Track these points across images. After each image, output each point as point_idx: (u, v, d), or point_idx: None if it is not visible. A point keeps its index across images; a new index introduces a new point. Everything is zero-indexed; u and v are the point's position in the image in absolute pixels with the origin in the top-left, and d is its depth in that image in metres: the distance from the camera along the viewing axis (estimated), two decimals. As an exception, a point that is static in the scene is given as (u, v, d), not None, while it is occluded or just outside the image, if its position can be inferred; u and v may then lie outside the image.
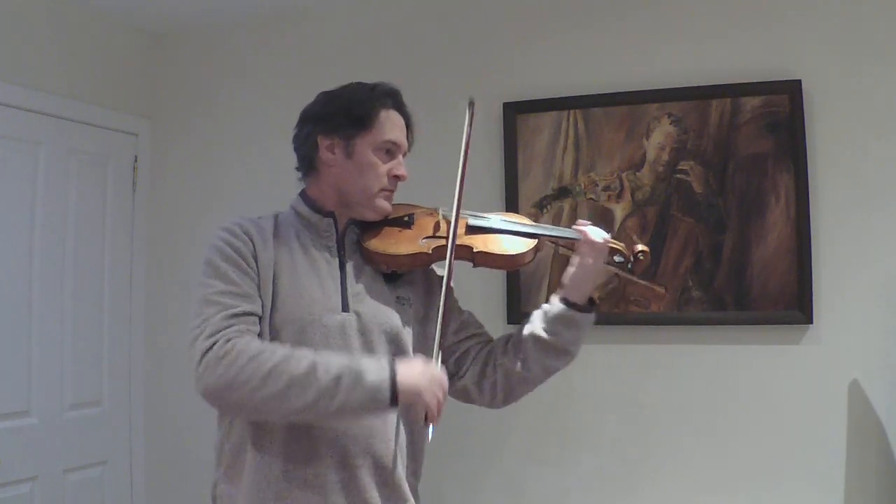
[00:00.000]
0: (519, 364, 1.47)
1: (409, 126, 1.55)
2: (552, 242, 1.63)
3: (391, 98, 1.51)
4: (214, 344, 1.27)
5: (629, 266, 1.55)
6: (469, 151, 1.46)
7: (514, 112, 2.63)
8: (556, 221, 2.57)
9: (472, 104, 1.47)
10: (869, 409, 2.28)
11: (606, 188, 2.54)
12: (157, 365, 3.00)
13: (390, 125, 1.49)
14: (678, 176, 2.47)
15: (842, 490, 2.28)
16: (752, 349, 2.40)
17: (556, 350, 1.46)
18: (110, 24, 2.95)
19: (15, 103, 2.55)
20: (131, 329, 2.99)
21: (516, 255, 1.49)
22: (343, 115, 1.47)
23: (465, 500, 2.63)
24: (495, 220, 1.55)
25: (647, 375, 2.49)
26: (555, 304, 1.47)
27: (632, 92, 2.51)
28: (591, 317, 1.49)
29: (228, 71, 3.04)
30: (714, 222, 2.43)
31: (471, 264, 1.51)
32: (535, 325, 1.48)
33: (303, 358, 1.28)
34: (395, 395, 1.28)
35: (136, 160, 3.05)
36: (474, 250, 1.48)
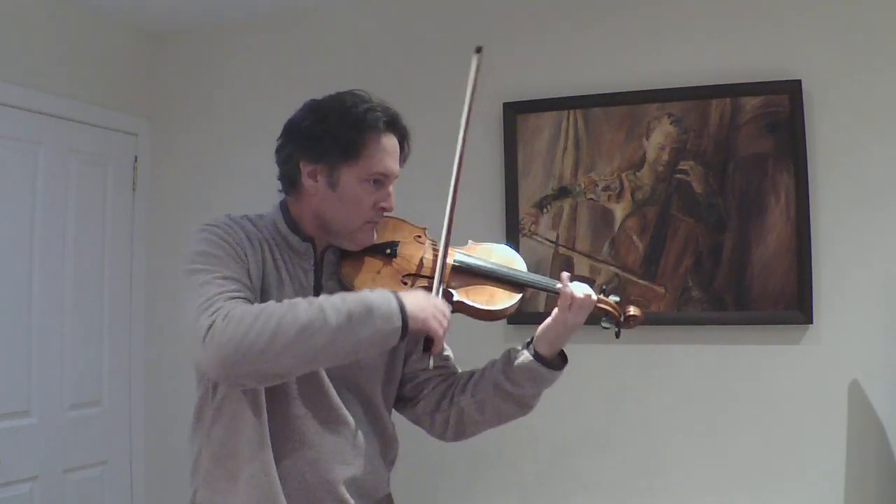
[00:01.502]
0: (474, 406, 1.44)
1: (404, 142, 1.43)
2: (537, 289, 1.50)
3: (384, 121, 1.37)
4: (216, 316, 1.20)
5: (617, 331, 1.45)
6: (471, 111, 1.36)
7: (514, 112, 2.63)
8: (556, 221, 2.57)
9: (479, 49, 1.36)
10: (869, 409, 2.28)
11: (606, 188, 2.54)
12: (157, 365, 3.00)
13: (381, 154, 1.36)
14: (678, 176, 2.47)
15: (842, 490, 2.29)
16: (752, 349, 2.40)
17: (515, 401, 1.42)
18: (110, 24, 2.95)
19: (15, 103, 2.55)
20: (131, 329, 2.99)
21: (496, 310, 1.40)
22: (329, 141, 1.35)
23: (461, 499, 2.63)
24: (484, 262, 1.44)
25: (647, 375, 2.49)
26: (524, 355, 1.41)
27: (632, 92, 2.51)
28: (559, 374, 1.42)
29: (228, 71, 3.04)
30: (714, 222, 2.43)
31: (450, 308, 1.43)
32: (499, 370, 1.42)
33: (307, 303, 1.23)
34: (405, 324, 1.25)
35: (136, 160, 3.05)
36: (454, 298, 1.40)
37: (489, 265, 1.44)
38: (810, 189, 2.34)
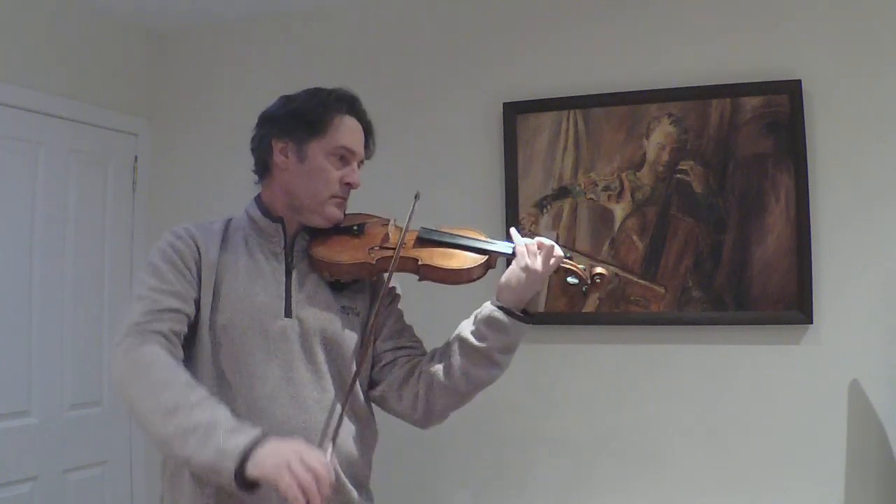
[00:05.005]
0: (441, 371, 1.42)
1: (368, 133, 1.54)
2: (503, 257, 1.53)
3: (347, 104, 1.50)
4: (125, 342, 1.31)
5: (584, 289, 1.48)
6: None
7: (514, 112, 2.63)
8: (556, 221, 2.57)
9: (417, 197, 1.47)
10: (869, 409, 2.28)
11: (606, 188, 2.54)
12: (157, 365, 3.00)
13: (345, 131, 1.48)
14: (678, 176, 2.47)
15: (842, 490, 2.28)
16: (752, 349, 2.40)
17: (481, 357, 1.40)
18: (110, 24, 2.95)
19: (15, 103, 2.55)
20: (131, 329, 2.98)
21: (461, 269, 1.45)
22: (298, 118, 1.48)
23: (455, 499, 2.63)
24: (447, 232, 1.51)
25: (647, 375, 2.49)
26: (486, 307, 1.43)
27: (632, 92, 2.51)
28: (523, 326, 1.41)
29: (228, 71, 3.04)
30: (714, 222, 2.43)
31: (416, 277, 1.48)
32: (464, 327, 1.44)
33: (182, 391, 1.24)
34: (243, 468, 1.15)
35: (136, 160, 3.05)
36: (419, 263, 1.45)
37: (451, 235, 1.51)
38: (810, 189, 2.34)
